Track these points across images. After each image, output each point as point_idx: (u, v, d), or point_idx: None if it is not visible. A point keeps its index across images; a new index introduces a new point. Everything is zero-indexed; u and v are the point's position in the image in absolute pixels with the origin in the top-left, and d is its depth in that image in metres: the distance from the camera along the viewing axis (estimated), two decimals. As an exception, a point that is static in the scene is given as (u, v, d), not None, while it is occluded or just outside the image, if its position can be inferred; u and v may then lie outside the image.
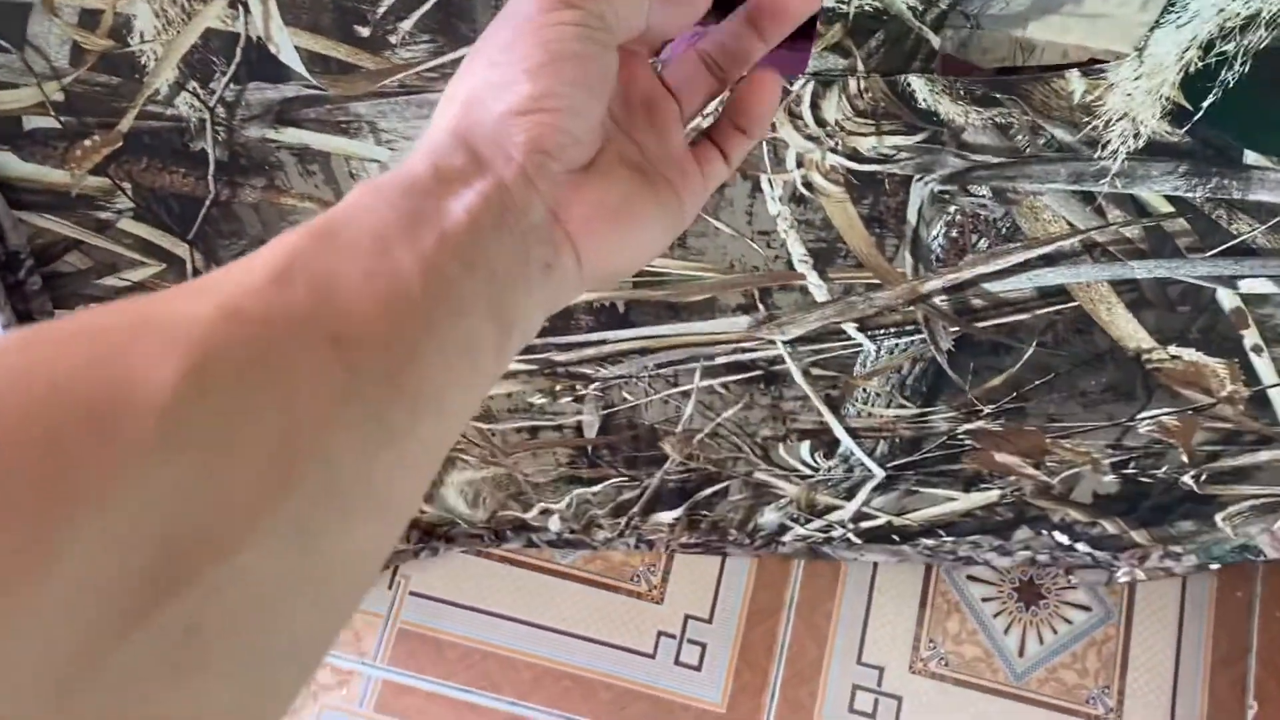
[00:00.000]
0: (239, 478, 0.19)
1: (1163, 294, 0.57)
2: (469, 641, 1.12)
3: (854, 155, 0.49)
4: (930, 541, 1.00)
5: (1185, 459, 0.76)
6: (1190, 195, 0.50)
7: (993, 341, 0.63)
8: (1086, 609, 1.11)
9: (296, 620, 0.20)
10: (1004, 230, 0.54)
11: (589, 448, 0.84)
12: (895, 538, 1.00)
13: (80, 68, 0.50)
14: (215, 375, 0.19)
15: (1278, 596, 1.08)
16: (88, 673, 0.17)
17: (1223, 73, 0.43)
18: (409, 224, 0.24)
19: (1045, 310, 0.59)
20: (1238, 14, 0.40)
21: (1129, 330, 0.60)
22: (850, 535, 1.00)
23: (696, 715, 1.09)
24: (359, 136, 0.52)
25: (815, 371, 0.68)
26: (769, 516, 0.97)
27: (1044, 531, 0.95)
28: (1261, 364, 0.62)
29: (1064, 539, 0.96)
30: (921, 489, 0.87)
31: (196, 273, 0.63)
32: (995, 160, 0.49)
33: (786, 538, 1.03)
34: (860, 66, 0.44)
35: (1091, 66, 0.44)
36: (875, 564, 1.13)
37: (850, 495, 0.90)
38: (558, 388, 0.74)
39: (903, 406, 0.72)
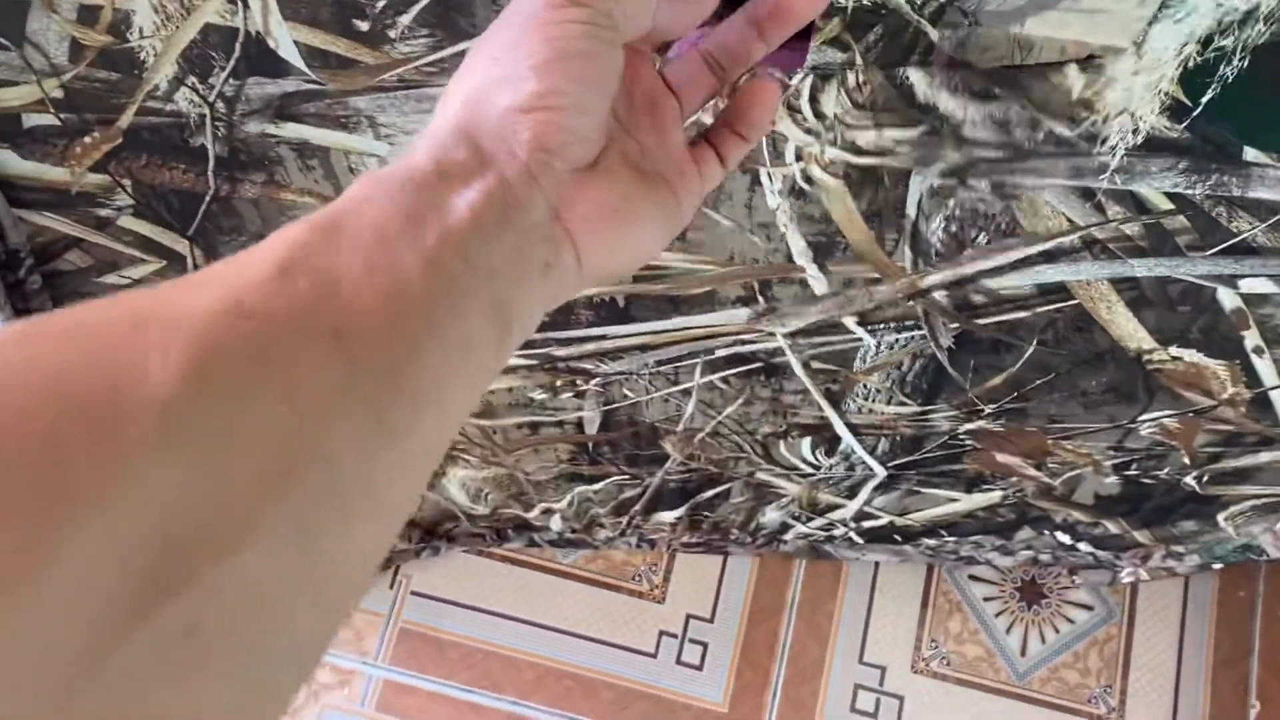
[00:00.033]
0: (239, 476, 0.18)
1: (1163, 293, 0.57)
2: (470, 641, 1.12)
3: (853, 148, 0.49)
4: (932, 541, 1.00)
5: (1187, 461, 0.75)
6: (1190, 192, 0.49)
7: (993, 339, 0.63)
8: (1088, 608, 1.11)
9: (296, 620, 0.20)
10: (1003, 225, 0.54)
11: (590, 445, 0.84)
12: (897, 537, 1.00)
13: (79, 64, 0.50)
14: (216, 372, 0.19)
15: (1280, 596, 1.08)
16: (88, 673, 0.16)
17: (1221, 68, 0.43)
18: (411, 220, 0.24)
19: (1045, 308, 0.59)
20: (1236, 8, 0.40)
21: (1129, 330, 0.60)
22: (852, 534, 1.00)
23: (698, 715, 1.09)
24: (358, 131, 0.52)
25: (815, 365, 0.68)
26: (771, 515, 0.97)
27: (1046, 532, 0.95)
28: (1263, 366, 0.62)
29: (1066, 539, 0.96)
30: (923, 489, 0.87)
31: (197, 269, 0.63)
32: (994, 154, 0.49)
33: (788, 536, 1.03)
34: (859, 60, 0.44)
35: (1090, 62, 0.43)
36: (877, 564, 1.13)
37: (852, 494, 0.90)
38: (558, 383, 0.74)
39: (903, 404, 0.72)
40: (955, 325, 0.62)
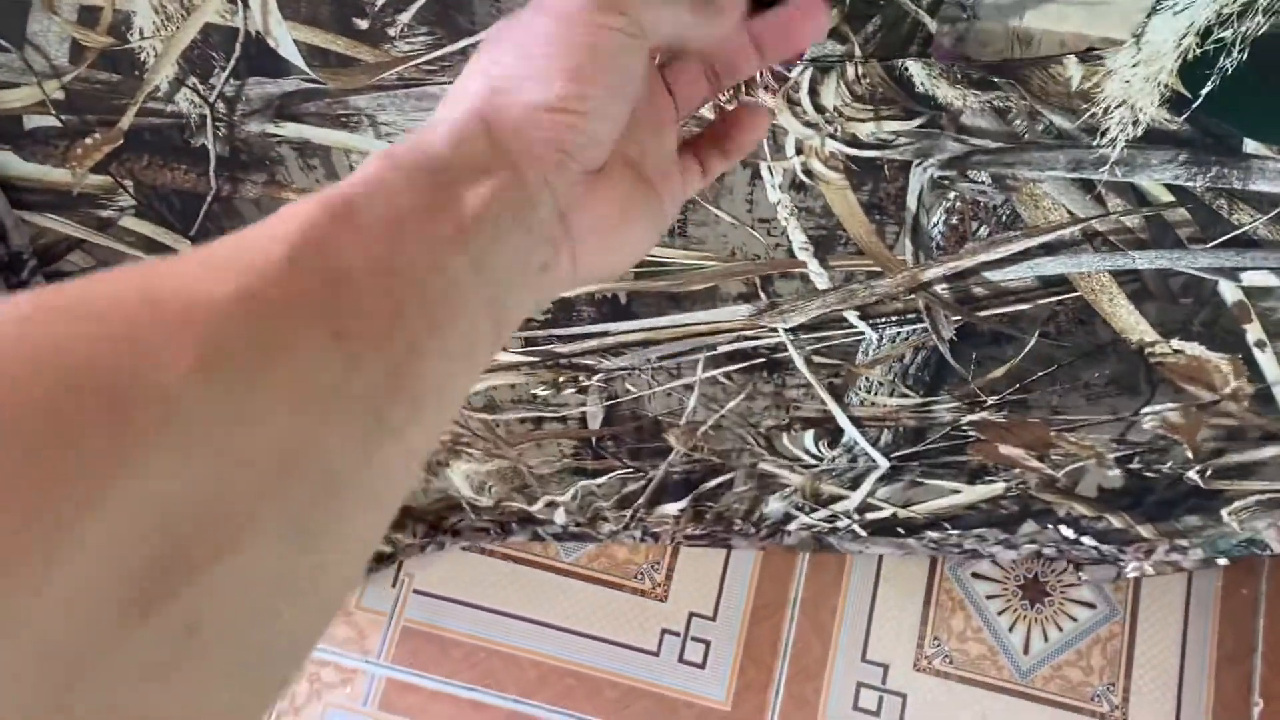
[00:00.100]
0: (240, 473, 0.18)
1: (1164, 285, 0.57)
2: (473, 639, 1.12)
3: (853, 141, 0.49)
4: (936, 535, 1.00)
5: (1190, 455, 0.75)
6: (1190, 184, 0.49)
7: (995, 331, 0.63)
8: (1091, 606, 1.11)
9: (294, 616, 0.20)
10: (1004, 218, 0.54)
11: (593, 439, 0.84)
12: (901, 530, 1.00)
13: (80, 65, 0.50)
14: (225, 367, 0.19)
15: (1284, 593, 1.08)
16: (89, 674, 0.16)
17: (1221, 60, 0.43)
18: (424, 214, 0.24)
19: (1047, 300, 0.59)
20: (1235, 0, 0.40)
21: (1131, 322, 0.60)
22: (856, 527, 1.00)
23: (701, 713, 1.09)
24: (359, 130, 0.52)
25: (818, 359, 0.68)
26: (774, 505, 0.97)
27: (1050, 525, 0.95)
28: (1265, 360, 0.61)
29: (1070, 533, 0.96)
30: (926, 480, 0.87)
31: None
32: (994, 146, 0.49)
33: (792, 527, 1.03)
34: (858, 52, 0.45)
35: (1089, 54, 0.44)
36: (880, 561, 1.13)
37: (855, 485, 0.90)
38: (561, 379, 0.74)
39: (905, 396, 0.72)
40: (957, 318, 0.62)
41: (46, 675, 0.16)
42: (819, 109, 0.48)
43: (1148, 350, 0.62)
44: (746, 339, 0.67)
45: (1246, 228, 0.51)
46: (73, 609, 0.16)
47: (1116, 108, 0.46)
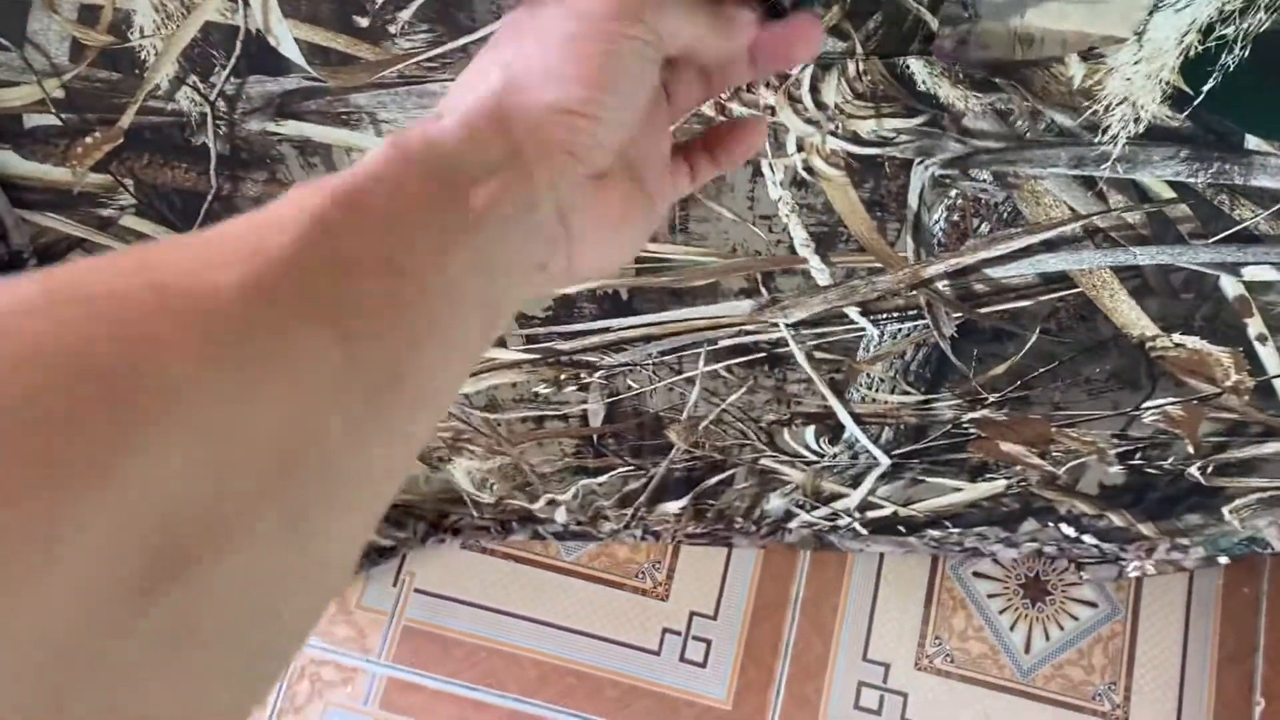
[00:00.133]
0: (241, 463, 0.18)
1: (1166, 281, 0.57)
2: (474, 639, 1.12)
3: (854, 138, 0.49)
4: (937, 533, 1.00)
5: (1191, 450, 0.75)
6: (1192, 180, 0.49)
7: (996, 328, 0.63)
8: (1093, 605, 1.11)
9: (291, 612, 0.20)
10: (1005, 215, 0.54)
11: (594, 437, 0.85)
12: (901, 528, 1.00)
13: (80, 64, 0.50)
14: (229, 358, 0.19)
15: (1285, 592, 1.08)
16: (89, 672, 0.16)
17: (1222, 57, 0.43)
18: (432, 210, 0.24)
19: (1048, 296, 0.59)
20: (1237, -5, 0.40)
21: (1132, 317, 0.60)
22: (857, 525, 1.00)
23: (701, 712, 1.09)
24: (360, 128, 0.52)
25: (819, 355, 0.68)
26: (775, 503, 0.97)
27: (1051, 524, 0.95)
28: (1266, 353, 0.62)
29: (1071, 531, 0.96)
30: (927, 478, 0.87)
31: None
32: (995, 144, 0.49)
33: (793, 525, 1.03)
34: (859, 49, 0.45)
35: (1091, 52, 0.44)
36: (881, 560, 1.13)
37: (856, 483, 0.90)
38: (562, 376, 0.74)
39: (907, 393, 0.72)
40: (958, 314, 0.62)
41: (46, 675, 0.16)
42: (820, 106, 0.48)
43: (1149, 344, 0.62)
44: (748, 334, 0.67)
45: (1248, 223, 0.51)
46: (74, 603, 0.16)
47: (1118, 105, 0.46)
